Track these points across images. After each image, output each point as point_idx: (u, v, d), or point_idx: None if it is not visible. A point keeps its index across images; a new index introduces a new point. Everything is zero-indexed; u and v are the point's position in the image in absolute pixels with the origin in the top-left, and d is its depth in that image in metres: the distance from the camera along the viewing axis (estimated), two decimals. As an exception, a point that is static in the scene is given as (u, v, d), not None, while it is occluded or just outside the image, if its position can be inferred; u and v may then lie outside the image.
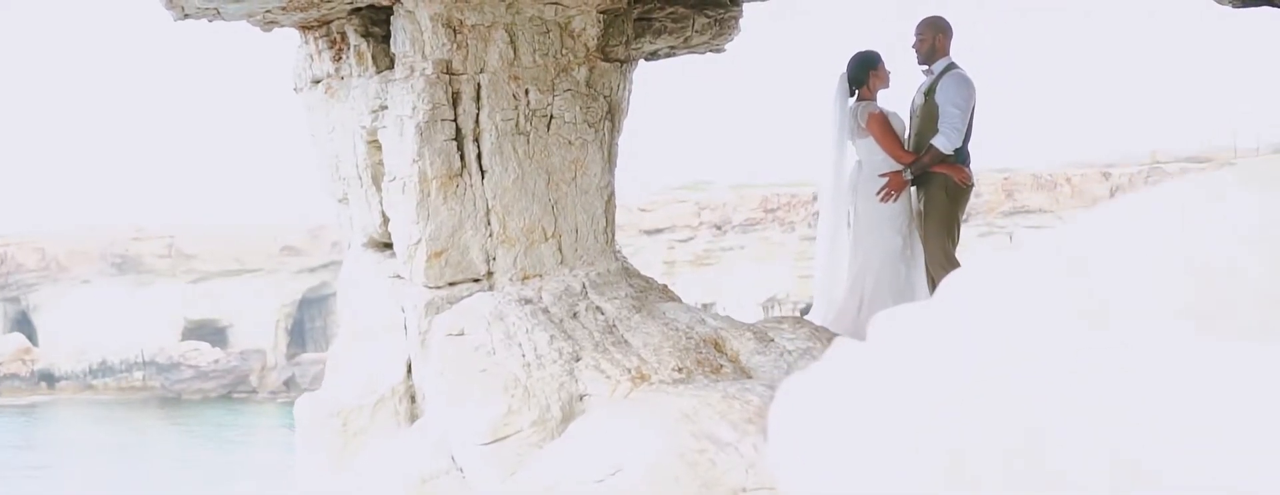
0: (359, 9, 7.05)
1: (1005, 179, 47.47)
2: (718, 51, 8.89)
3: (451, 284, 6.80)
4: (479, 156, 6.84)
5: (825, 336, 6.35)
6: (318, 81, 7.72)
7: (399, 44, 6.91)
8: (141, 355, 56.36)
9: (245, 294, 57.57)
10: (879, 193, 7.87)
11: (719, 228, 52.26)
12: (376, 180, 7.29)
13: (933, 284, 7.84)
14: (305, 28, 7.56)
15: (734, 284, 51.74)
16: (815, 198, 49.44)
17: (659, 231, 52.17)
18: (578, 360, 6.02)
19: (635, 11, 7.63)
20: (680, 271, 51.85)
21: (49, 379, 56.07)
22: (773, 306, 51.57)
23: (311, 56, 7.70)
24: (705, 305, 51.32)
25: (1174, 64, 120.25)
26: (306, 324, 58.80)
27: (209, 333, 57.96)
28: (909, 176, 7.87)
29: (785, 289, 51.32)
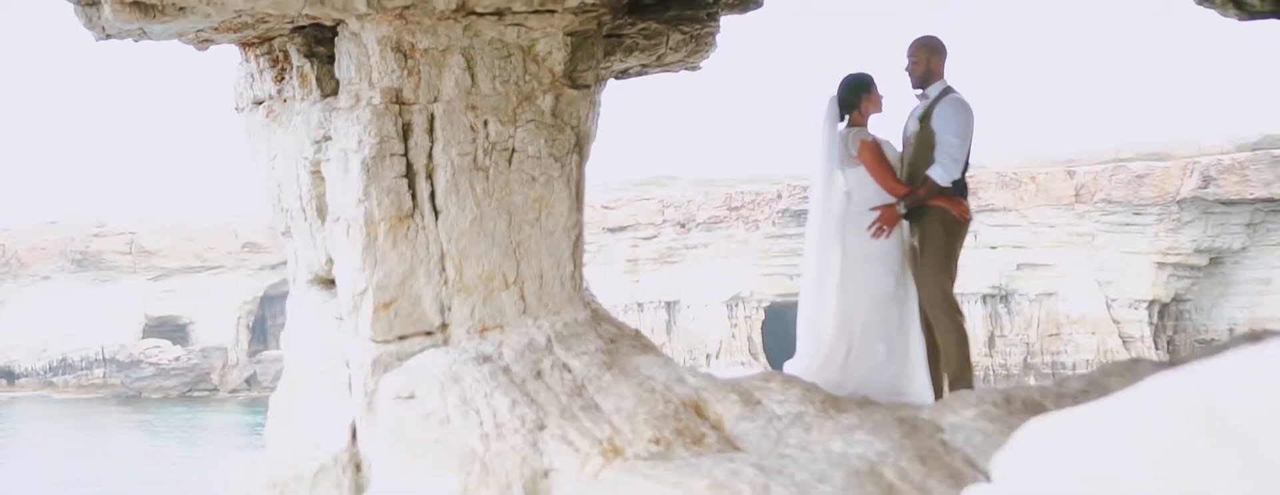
0: (301, 27, 6.37)
1: (969, 177, 46.89)
2: (693, 69, 8.25)
3: (401, 338, 6.13)
4: (432, 195, 6.21)
5: (817, 398, 5.71)
6: (259, 103, 7.08)
7: (344, 69, 6.25)
8: (102, 352, 56.63)
9: (206, 291, 57.31)
10: (870, 227, 7.25)
11: (683, 225, 51.90)
12: (321, 213, 6.67)
13: (927, 327, 7.24)
14: (246, 45, 6.90)
15: (698, 282, 51.56)
16: (779, 195, 49.36)
17: (622, 229, 51.86)
18: (542, 428, 5.39)
19: (604, 30, 6.98)
20: (644, 269, 51.72)
21: (8, 376, 56.82)
22: (737, 305, 51.35)
23: (253, 75, 7.07)
24: (669, 304, 51.22)
25: (1138, 60, 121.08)
26: (268, 321, 58.40)
27: (170, 330, 57.91)
28: (903, 210, 7.24)
29: (749, 287, 51.12)
